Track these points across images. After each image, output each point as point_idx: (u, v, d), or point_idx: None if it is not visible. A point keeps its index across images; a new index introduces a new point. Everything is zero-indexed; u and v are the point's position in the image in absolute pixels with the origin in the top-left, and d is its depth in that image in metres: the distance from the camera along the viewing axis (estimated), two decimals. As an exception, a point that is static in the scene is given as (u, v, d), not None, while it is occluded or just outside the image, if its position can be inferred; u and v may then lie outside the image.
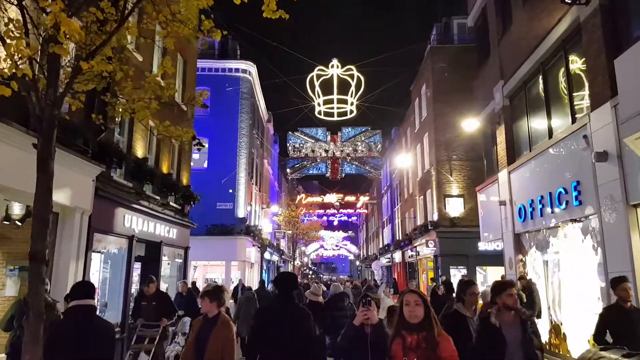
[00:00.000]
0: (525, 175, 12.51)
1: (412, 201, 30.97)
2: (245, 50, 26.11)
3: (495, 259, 22.21)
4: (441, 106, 24.05)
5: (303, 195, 36.39)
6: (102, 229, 10.03)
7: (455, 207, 23.17)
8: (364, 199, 36.04)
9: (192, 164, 25.08)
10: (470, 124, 14.82)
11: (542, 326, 11.62)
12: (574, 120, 10.09)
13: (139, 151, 12.08)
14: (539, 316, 11.33)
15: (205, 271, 26.60)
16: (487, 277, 23.08)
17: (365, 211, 51.95)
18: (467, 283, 5.76)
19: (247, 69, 26.03)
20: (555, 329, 11.07)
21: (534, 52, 11.73)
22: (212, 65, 25.47)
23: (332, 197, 35.17)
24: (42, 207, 4.24)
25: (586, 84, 9.63)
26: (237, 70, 25.72)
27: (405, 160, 30.07)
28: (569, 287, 10.81)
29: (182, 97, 15.72)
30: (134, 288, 13.11)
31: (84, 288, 4.18)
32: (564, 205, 10.06)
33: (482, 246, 22.72)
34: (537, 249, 12.13)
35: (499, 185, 14.26)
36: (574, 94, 10.35)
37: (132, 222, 11.54)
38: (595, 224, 9.02)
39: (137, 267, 13.23)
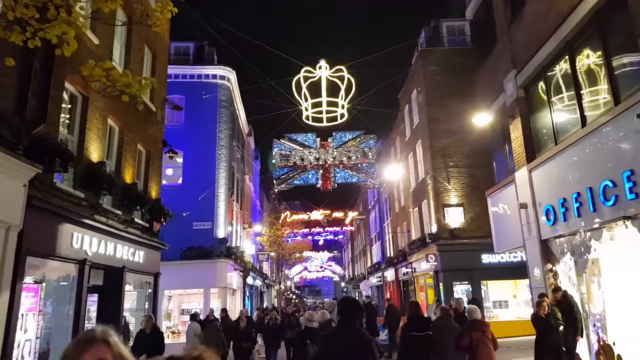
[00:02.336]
0: (551, 172, 10.74)
1: (404, 214, 29.09)
2: (224, 56, 24.26)
3: (502, 271, 20.44)
4: (435, 110, 22.42)
5: (288, 212, 34.18)
6: (40, 251, 7.78)
7: (455, 218, 21.35)
8: (352, 214, 34.06)
9: (164, 181, 22.90)
10: (481, 119, 13.06)
11: (584, 346, 9.80)
12: (617, 102, 8.37)
13: (94, 154, 9.92)
14: (581, 334, 9.50)
15: (181, 301, 24.05)
16: (488, 292, 21.23)
17: (352, 228, 49.88)
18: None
19: (226, 75, 24.07)
20: (606, 350, 9.15)
21: (556, 31, 10.07)
22: (187, 72, 23.45)
23: (318, 214, 33.05)
24: None
25: (632, 58, 7.99)
26: (214, 76, 23.74)
27: (396, 172, 28.29)
28: (622, 299, 8.97)
29: (150, 97, 13.66)
30: (88, 325, 10.79)
31: None
32: (612, 201, 8.24)
33: (486, 259, 20.96)
34: (573, 256, 10.29)
35: (517, 187, 12.50)
36: (615, 72, 8.64)
37: (84, 242, 9.30)
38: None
39: (93, 300, 10.94)
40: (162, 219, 13.11)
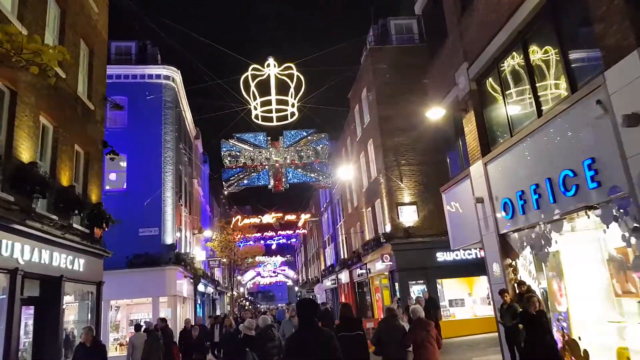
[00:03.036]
0: (508, 164, 10.73)
1: (358, 215, 28.98)
2: (169, 56, 23.23)
3: (458, 269, 20.59)
4: (385, 108, 22.40)
5: (239, 217, 33.29)
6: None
7: (409, 216, 21.35)
8: (305, 216, 33.61)
9: (108, 186, 21.62)
10: (434, 113, 12.94)
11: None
12: (574, 89, 8.38)
13: (24, 154, 8.95)
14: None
15: (130, 311, 22.80)
16: (443, 291, 21.29)
17: (305, 231, 49.45)
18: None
19: (170, 75, 23.06)
20: (571, 346, 9.14)
21: (508, 21, 10.06)
22: (129, 72, 22.27)
23: (270, 217, 32.39)
24: None
25: (587, 44, 8.02)
26: (158, 76, 22.68)
27: (348, 172, 28.16)
28: (584, 291, 9.00)
29: (88, 95, 12.67)
30: (25, 342, 9.79)
31: None
32: (572, 191, 8.19)
33: (441, 257, 21.07)
34: (533, 250, 10.28)
35: (472, 181, 12.46)
36: (570, 59, 8.67)
37: (15, 249, 8.35)
38: (626, 206, 7.19)
39: (29, 314, 9.93)
40: (104, 225, 12.16)
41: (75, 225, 10.96)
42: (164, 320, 13.04)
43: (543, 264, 10.39)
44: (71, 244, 10.62)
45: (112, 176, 21.96)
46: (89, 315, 12.31)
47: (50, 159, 10.42)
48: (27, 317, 9.95)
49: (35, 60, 5.13)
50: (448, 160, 15.03)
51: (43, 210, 9.61)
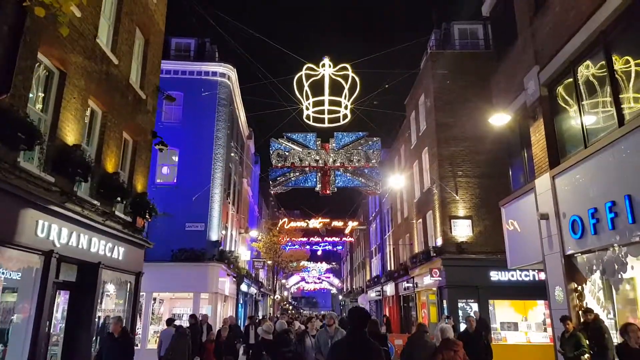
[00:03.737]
0: (580, 178, 9.63)
1: (407, 226, 27.92)
2: (226, 54, 23.29)
3: (512, 291, 19.20)
4: (443, 116, 21.37)
5: (286, 219, 32.99)
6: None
7: (462, 230, 20.18)
8: (352, 224, 32.83)
9: (159, 179, 21.83)
10: (499, 119, 11.93)
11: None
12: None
13: (69, 136, 8.83)
14: (612, 365, 8.31)
15: (173, 305, 22.85)
16: (495, 312, 19.90)
17: (352, 239, 48.61)
18: None
19: (226, 73, 23.09)
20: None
21: (589, 19, 9.04)
22: (186, 68, 22.47)
23: (317, 222, 31.89)
24: None
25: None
26: (214, 74, 22.76)
27: (400, 181, 27.20)
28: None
29: (140, 84, 12.61)
30: (59, 326, 9.66)
31: None
32: (657, 211, 7.13)
33: (495, 276, 19.75)
34: (604, 275, 9.14)
35: (537, 195, 11.39)
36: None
37: (52, 231, 8.20)
38: None
39: (64, 298, 9.81)
40: (147, 215, 11.99)
41: (117, 213, 10.82)
42: (193, 317, 12.79)
43: (615, 292, 9.24)
44: (112, 231, 10.46)
45: (165, 170, 22.15)
46: (126, 304, 12.16)
47: (97, 144, 10.33)
48: (63, 302, 9.86)
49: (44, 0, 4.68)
50: (510, 172, 13.92)
51: (85, 195, 9.48)
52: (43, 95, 8.47)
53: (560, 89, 10.80)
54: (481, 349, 8.75)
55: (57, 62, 8.48)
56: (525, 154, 12.77)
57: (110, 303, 11.49)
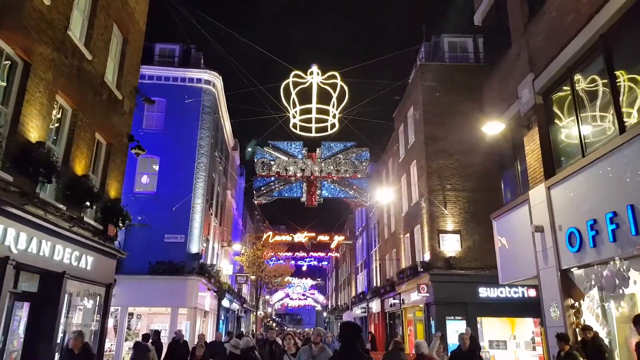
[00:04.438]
0: (577, 189, 9.18)
1: (394, 241, 27.34)
2: (212, 62, 22.70)
3: (501, 308, 18.65)
4: (432, 129, 20.98)
5: (270, 233, 32.19)
6: None
7: (451, 245, 19.64)
8: (338, 238, 32.14)
9: (139, 188, 21.01)
10: (492, 127, 11.48)
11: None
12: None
13: (32, 132, 8.12)
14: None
15: (151, 320, 21.85)
16: (482, 330, 19.29)
17: (338, 255, 47.82)
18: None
19: (212, 80, 22.49)
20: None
21: (589, 22, 8.66)
22: (170, 74, 21.85)
23: (302, 237, 31.14)
24: None
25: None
26: (199, 80, 22.15)
27: (388, 195, 26.67)
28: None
29: (117, 84, 11.96)
30: (19, 341, 8.83)
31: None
32: (662, 221, 6.65)
33: (484, 292, 19.19)
34: (603, 290, 8.63)
35: (531, 207, 10.93)
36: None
37: (7, 236, 7.44)
38: None
39: (26, 312, 8.99)
40: (120, 223, 11.24)
41: (86, 219, 10.06)
42: (157, 333, 12.15)
43: (615, 308, 8.71)
44: (79, 239, 9.69)
45: (144, 179, 21.36)
46: (95, 318, 11.33)
47: (65, 144, 9.61)
48: (19, 314, 9.04)
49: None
50: (502, 184, 13.45)
51: (49, 198, 8.74)
52: (5, 85, 7.77)
53: (555, 97, 10.41)
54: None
55: (20, 51, 7.82)
56: (519, 165, 12.33)
57: (77, 317, 10.65)
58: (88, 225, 10.18)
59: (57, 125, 9.45)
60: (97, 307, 11.37)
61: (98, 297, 11.38)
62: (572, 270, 9.54)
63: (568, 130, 9.98)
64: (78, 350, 7.38)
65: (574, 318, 9.49)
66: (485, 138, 14.31)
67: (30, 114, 8.08)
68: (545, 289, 10.32)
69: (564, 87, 10.00)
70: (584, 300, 9.27)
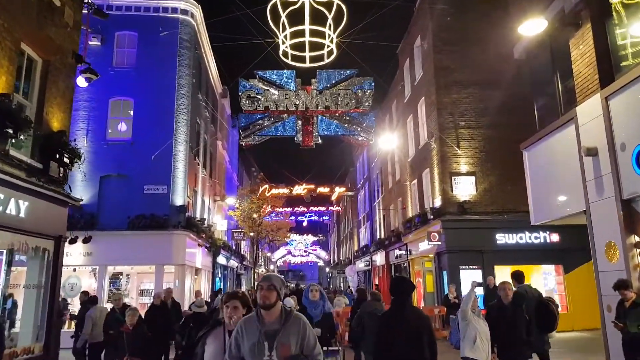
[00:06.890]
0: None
1: (400, 189, 25.25)
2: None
3: (521, 255, 16.69)
4: (443, 58, 18.46)
5: (267, 186, 30.12)
6: None
7: (465, 189, 17.53)
8: (339, 190, 30.13)
9: (111, 134, 18.68)
10: (533, 26, 8.92)
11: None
12: None
13: None
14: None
15: (140, 280, 20.03)
16: (497, 281, 17.44)
17: (339, 209, 45.98)
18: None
19: (189, 10, 19.72)
20: None
21: None
22: (141, 3, 19.05)
23: (301, 189, 29.09)
24: None
25: None
26: (174, 10, 19.41)
27: (392, 142, 24.40)
28: None
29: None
30: None
31: None
32: None
33: (502, 239, 17.21)
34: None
35: (579, 127, 8.69)
36: None
37: None
38: None
39: None
40: (67, 160, 9.03)
41: (13, 153, 7.86)
42: (85, 293, 10.38)
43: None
44: (4, 177, 7.52)
45: (120, 125, 19.03)
46: (45, 278, 9.30)
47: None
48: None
49: None
50: (535, 107, 11.14)
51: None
52: None
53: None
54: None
55: None
56: (558, 81, 10.02)
57: (16, 277, 8.62)
58: (18, 161, 7.98)
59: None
60: (46, 265, 9.33)
61: (47, 252, 9.32)
62: (637, 200, 7.45)
63: (631, 25, 7.65)
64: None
65: (639, 259, 7.48)
66: (512, 57, 11.94)
67: None
68: (598, 225, 8.27)
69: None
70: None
